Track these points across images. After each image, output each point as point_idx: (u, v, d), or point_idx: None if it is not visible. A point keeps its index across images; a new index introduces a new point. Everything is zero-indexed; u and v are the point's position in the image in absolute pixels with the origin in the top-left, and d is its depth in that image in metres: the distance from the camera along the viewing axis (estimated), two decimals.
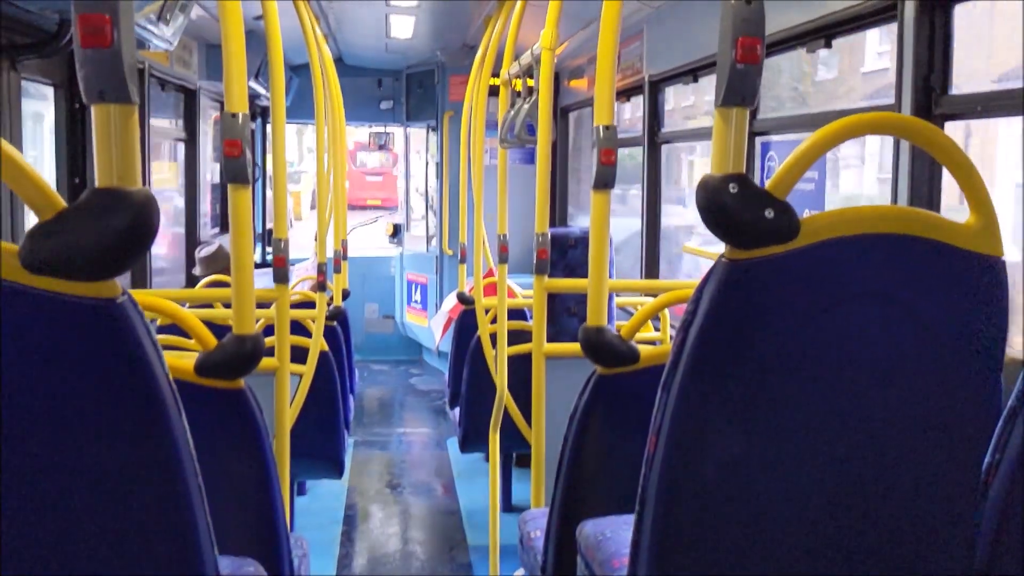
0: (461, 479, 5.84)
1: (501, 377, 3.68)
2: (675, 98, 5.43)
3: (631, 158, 6.82)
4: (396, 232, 9.15)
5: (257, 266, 6.89)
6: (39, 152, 4.47)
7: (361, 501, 5.50)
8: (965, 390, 1.52)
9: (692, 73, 4.60)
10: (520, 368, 3.60)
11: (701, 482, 1.52)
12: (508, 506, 5.12)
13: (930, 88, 2.61)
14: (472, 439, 4.80)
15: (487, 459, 4.82)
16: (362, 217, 11.06)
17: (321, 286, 3.82)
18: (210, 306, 4.25)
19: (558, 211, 7.62)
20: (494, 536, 4.06)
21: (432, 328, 7.48)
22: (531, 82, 3.48)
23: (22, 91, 3.55)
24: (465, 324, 5.23)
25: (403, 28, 6.65)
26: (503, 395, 3.70)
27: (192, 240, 6.25)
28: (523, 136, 3.62)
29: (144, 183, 1.52)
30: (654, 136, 5.19)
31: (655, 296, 2.93)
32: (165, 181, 6.06)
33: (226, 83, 2.16)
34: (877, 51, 4.14)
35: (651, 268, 5.30)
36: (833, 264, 1.48)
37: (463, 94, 6.06)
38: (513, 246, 4.06)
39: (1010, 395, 1.28)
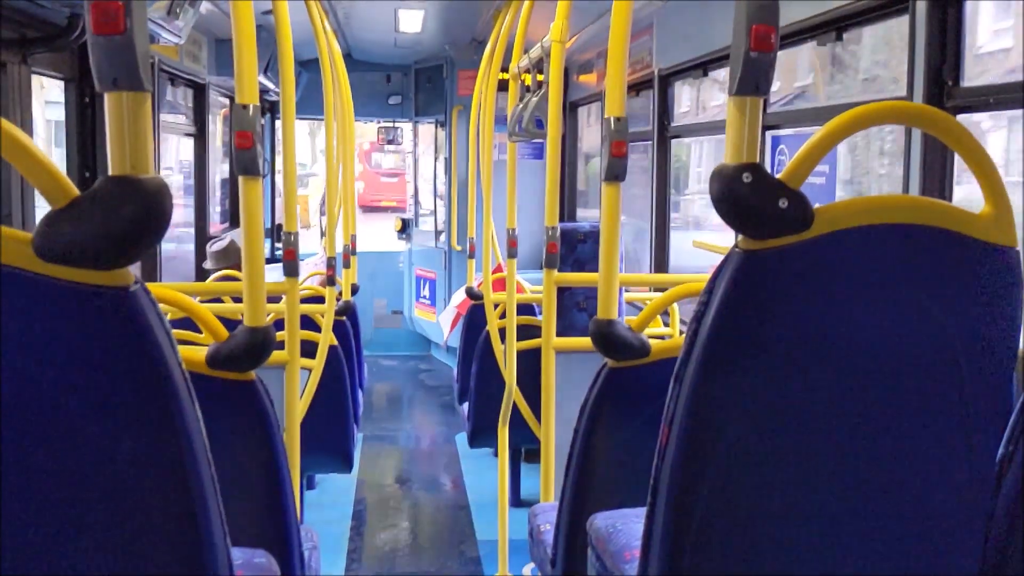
0: (470, 473, 5.84)
1: (510, 372, 3.68)
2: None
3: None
4: (405, 227, 9.16)
5: (267, 261, 6.91)
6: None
7: (370, 495, 5.50)
8: (979, 382, 1.51)
9: (702, 67, 4.59)
10: (529, 363, 3.60)
11: (714, 474, 1.51)
12: (517, 500, 5.12)
13: (942, 80, 2.60)
14: (481, 433, 4.80)
15: (496, 453, 4.82)
16: (377, 219, 11.07)
17: (330, 281, 3.83)
18: (220, 301, 4.25)
19: (567, 206, 7.61)
20: (503, 530, 4.06)
21: (441, 323, 7.49)
22: (540, 76, 3.48)
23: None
24: (474, 319, 5.23)
25: (412, 23, 6.65)
26: (512, 390, 3.70)
27: (202, 235, 6.26)
28: (532, 130, 3.62)
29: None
30: (663, 130, 5.18)
31: (664, 291, 2.93)
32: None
33: (237, 75, 2.16)
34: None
35: (660, 263, 5.29)
36: (847, 254, 1.47)
37: (472, 89, 6.06)
38: (522, 241, 4.06)
39: None
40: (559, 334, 3.12)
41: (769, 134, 3.95)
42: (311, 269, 5.65)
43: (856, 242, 1.46)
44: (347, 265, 5.11)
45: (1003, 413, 1.48)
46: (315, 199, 21.33)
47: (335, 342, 4.04)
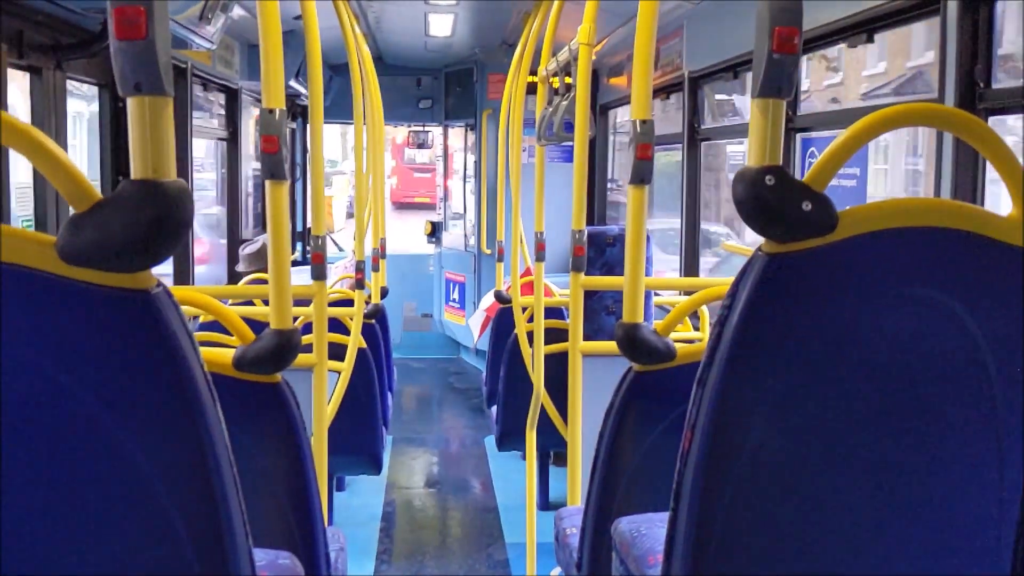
0: (498, 476, 5.85)
1: (538, 375, 3.67)
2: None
3: None
4: (434, 231, 9.18)
5: (297, 264, 6.95)
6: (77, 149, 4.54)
7: (399, 497, 5.52)
8: (1008, 386, 1.49)
9: (732, 69, 4.56)
10: (557, 366, 3.60)
11: (737, 478, 1.50)
12: (545, 503, 5.12)
13: (973, 82, 2.57)
14: (509, 437, 4.80)
15: (524, 457, 4.82)
16: (409, 216, 11.10)
17: (359, 284, 3.85)
18: (251, 303, 4.29)
19: (596, 209, 7.59)
20: (531, 533, 4.06)
21: (470, 326, 7.50)
22: (568, 79, 3.47)
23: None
24: (503, 322, 5.23)
25: (442, 26, 6.68)
26: (540, 393, 3.69)
27: (234, 237, 6.31)
28: (561, 133, 3.62)
29: (186, 181, 1.53)
30: (694, 133, 5.15)
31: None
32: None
33: (263, 79, 2.18)
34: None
35: (690, 266, 5.27)
36: (873, 257, 1.45)
37: (501, 93, 6.06)
38: (550, 245, 4.06)
39: None
40: (588, 338, 3.11)
41: (799, 136, 3.92)
42: (341, 272, 5.68)
43: (882, 245, 1.45)
44: (376, 268, 5.13)
45: None
46: (339, 200, 21.30)
47: (364, 345, 4.06)
